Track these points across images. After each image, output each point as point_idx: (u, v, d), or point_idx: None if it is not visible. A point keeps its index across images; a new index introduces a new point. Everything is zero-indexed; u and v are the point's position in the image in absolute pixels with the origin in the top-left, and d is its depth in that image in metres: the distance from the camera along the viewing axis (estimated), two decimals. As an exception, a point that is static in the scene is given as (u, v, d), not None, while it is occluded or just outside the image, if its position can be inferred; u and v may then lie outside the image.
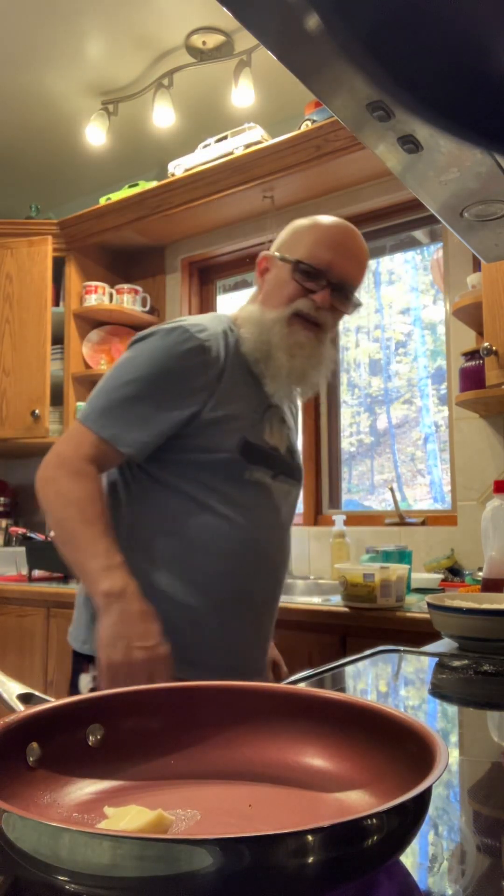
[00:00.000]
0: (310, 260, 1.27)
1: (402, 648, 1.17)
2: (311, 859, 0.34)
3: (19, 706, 0.53)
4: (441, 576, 2.21)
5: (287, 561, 1.38)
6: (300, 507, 2.84)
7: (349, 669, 1.06)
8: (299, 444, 1.47)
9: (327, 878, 0.35)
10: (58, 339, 3.11)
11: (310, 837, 0.34)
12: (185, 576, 1.21)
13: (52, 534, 1.21)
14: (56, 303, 3.18)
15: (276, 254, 1.33)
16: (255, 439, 1.26)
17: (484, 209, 0.80)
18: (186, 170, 2.82)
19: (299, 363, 1.28)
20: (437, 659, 1.11)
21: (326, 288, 1.27)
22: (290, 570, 2.66)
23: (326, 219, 1.33)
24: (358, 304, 1.35)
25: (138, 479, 1.25)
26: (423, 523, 2.48)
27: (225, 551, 1.22)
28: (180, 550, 1.21)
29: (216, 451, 1.22)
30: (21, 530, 2.89)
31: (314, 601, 2.03)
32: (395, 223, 2.73)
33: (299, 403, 1.53)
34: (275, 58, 0.54)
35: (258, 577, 1.27)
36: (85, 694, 0.77)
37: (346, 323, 3.01)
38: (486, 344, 1.99)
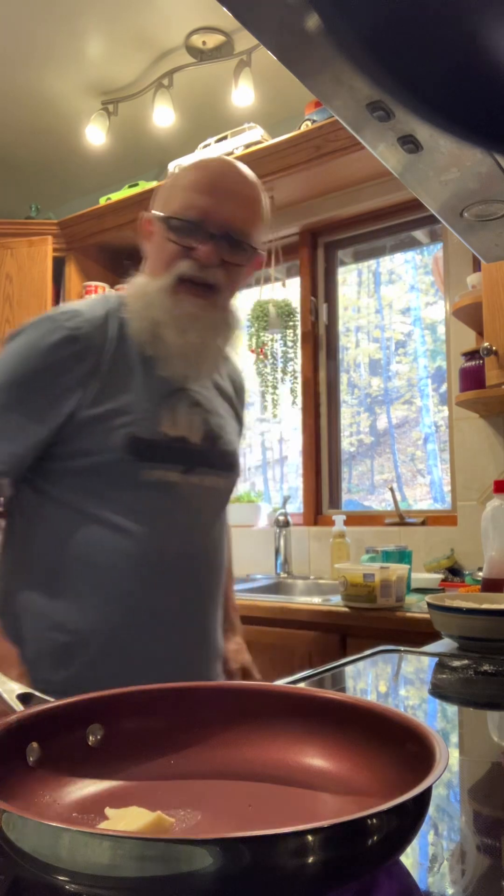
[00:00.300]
0: (182, 212, 1.08)
1: (402, 648, 1.17)
2: (311, 859, 0.34)
3: (19, 706, 0.53)
4: (441, 576, 2.21)
5: (216, 562, 1.19)
6: (300, 506, 2.86)
7: (349, 669, 1.06)
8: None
9: (327, 878, 0.35)
10: (58, 340, 3.11)
11: (310, 837, 0.34)
12: (74, 597, 1.07)
13: None
14: (56, 303, 3.18)
15: (154, 212, 1.13)
16: (149, 433, 1.08)
17: (484, 209, 0.80)
18: (186, 170, 2.82)
19: (193, 338, 1.09)
20: (437, 659, 1.11)
21: (209, 241, 1.07)
22: (291, 571, 2.66)
23: (201, 160, 1.14)
24: (254, 251, 1.13)
25: (26, 493, 1.12)
26: (423, 523, 2.48)
27: (118, 567, 1.07)
28: (67, 569, 1.07)
29: (99, 452, 1.06)
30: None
31: (314, 601, 2.02)
32: (395, 223, 2.73)
33: (240, 375, 1.34)
34: (275, 58, 0.54)
35: (166, 590, 1.10)
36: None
37: (346, 323, 3.01)
38: (486, 344, 1.99)
